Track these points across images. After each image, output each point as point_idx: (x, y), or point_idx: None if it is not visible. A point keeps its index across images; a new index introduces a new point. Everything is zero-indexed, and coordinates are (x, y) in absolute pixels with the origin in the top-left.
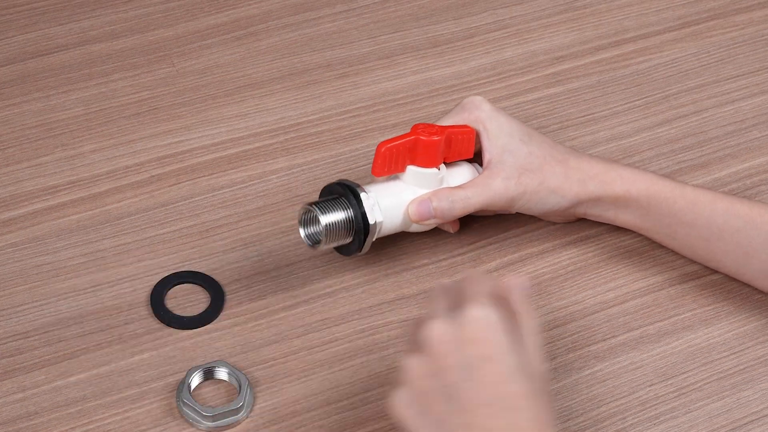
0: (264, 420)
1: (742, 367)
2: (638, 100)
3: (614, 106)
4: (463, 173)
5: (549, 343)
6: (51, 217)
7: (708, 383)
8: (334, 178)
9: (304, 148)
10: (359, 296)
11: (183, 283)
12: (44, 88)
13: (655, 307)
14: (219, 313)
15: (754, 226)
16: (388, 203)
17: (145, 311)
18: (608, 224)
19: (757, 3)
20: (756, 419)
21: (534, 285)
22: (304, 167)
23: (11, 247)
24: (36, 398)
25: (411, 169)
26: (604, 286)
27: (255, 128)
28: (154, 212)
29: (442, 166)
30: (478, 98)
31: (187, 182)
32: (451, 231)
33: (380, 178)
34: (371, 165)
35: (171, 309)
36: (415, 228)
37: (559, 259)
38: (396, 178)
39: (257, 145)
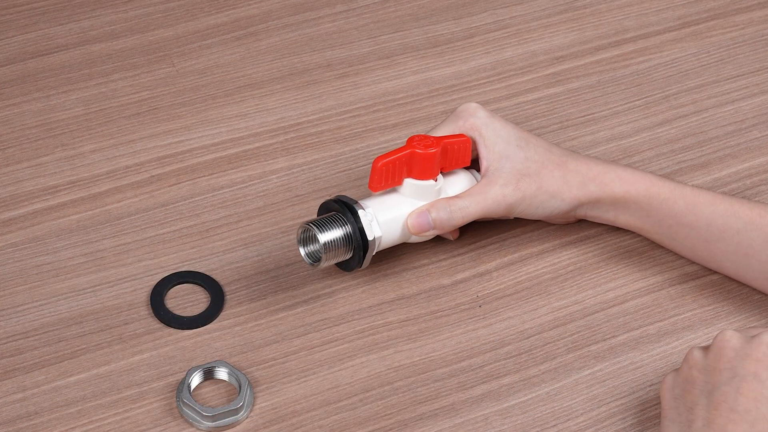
0: (264, 420)
1: None
2: (638, 100)
3: (614, 106)
4: (461, 181)
5: (549, 343)
6: (51, 217)
7: None
8: (334, 178)
9: (304, 148)
10: (359, 296)
11: (183, 283)
12: (44, 88)
13: (655, 307)
14: (219, 313)
15: (754, 227)
16: (387, 217)
17: (145, 311)
18: (608, 224)
19: (757, 3)
20: None
21: (534, 285)
22: (304, 167)
23: (11, 247)
24: (36, 398)
25: (408, 182)
26: (604, 286)
27: (255, 128)
28: (154, 212)
29: (440, 176)
30: (473, 105)
31: (187, 182)
32: (451, 239)
33: (378, 192)
34: (368, 178)
35: (171, 309)
36: (414, 239)
37: (559, 259)
38: (394, 191)
39: (257, 145)
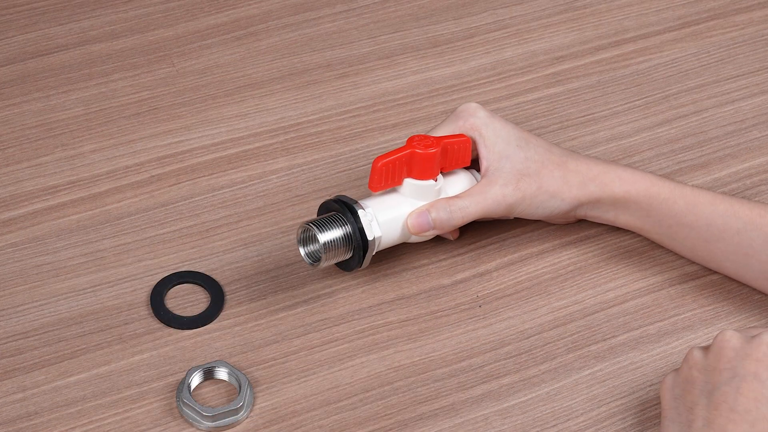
0: (264, 420)
1: None
2: (638, 100)
3: (614, 106)
4: (461, 181)
5: (549, 343)
6: (51, 217)
7: None
8: (334, 178)
9: (304, 148)
10: (359, 296)
11: (183, 283)
12: (44, 88)
13: (655, 307)
14: (219, 313)
15: (754, 227)
16: (387, 217)
17: (145, 311)
18: (608, 224)
19: (757, 3)
20: None
21: (534, 285)
22: (304, 167)
23: (11, 247)
24: (36, 398)
25: (408, 182)
26: (604, 286)
27: (255, 128)
28: (154, 212)
29: (440, 176)
30: (473, 105)
31: (187, 182)
32: (451, 239)
33: (378, 192)
34: (368, 178)
35: (171, 309)
36: (414, 239)
37: (559, 259)
38: (394, 191)
39: (257, 145)
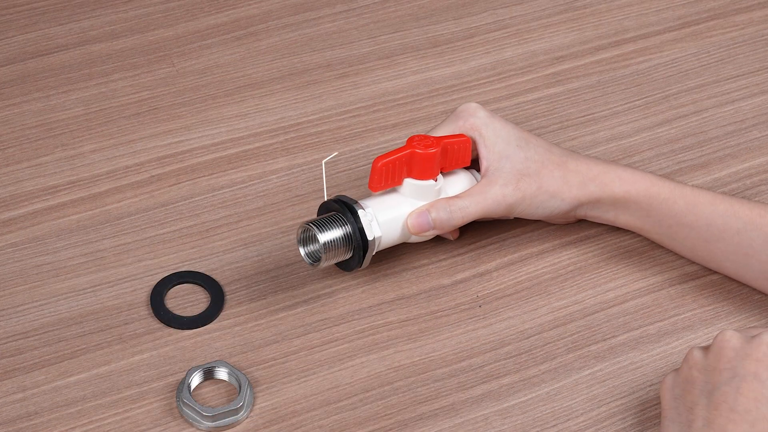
0: (264, 420)
1: None
2: (638, 100)
3: (614, 106)
4: (461, 181)
5: (549, 343)
6: (51, 217)
7: None
8: (334, 178)
9: (304, 148)
10: (359, 296)
11: (183, 283)
12: (44, 88)
13: (655, 307)
14: (219, 313)
15: (754, 227)
16: (387, 217)
17: (145, 311)
18: (608, 224)
19: (757, 3)
20: None
21: (534, 285)
22: (304, 167)
23: (11, 247)
24: (36, 398)
25: (408, 182)
26: (604, 286)
27: (255, 128)
28: (154, 212)
29: (440, 176)
30: (473, 105)
31: (187, 182)
32: (451, 238)
33: (378, 192)
34: (368, 178)
35: (171, 309)
36: (414, 239)
37: (559, 259)
38: (394, 191)
39: (257, 145)
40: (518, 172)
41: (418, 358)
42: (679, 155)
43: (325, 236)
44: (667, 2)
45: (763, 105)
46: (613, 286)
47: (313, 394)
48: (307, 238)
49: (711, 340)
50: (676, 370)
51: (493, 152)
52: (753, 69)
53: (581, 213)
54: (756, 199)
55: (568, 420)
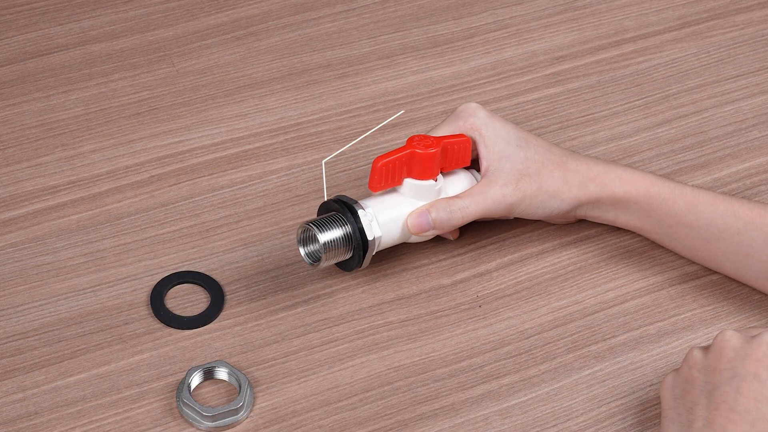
0: (264, 420)
1: None
2: (638, 100)
3: (614, 106)
4: (461, 181)
5: (549, 343)
6: (51, 217)
7: None
8: (334, 178)
9: (304, 148)
10: (359, 296)
11: (183, 283)
12: (44, 88)
13: (655, 307)
14: (219, 313)
15: (754, 227)
16: (387, 217)
17: (145, 311)
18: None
19: (757, 3)
20: None
21: (534, 285)
22: (304, 167)
23: (11, 247)
24: (36, 398)
25: (408, 182)
26: (604, 286)
27: (255, 128)
28: (154, 212)
29: (440, 176)
30: (473, 105)
31: (187, 182)
32: (451, 238)
33: (378, 192)
34: (368, 178)
35: (171, 309)
36: (414, 239)
37: (559, 259)
38: (394, 191)
39: (257, 145)
40: (518, 172)
41: (418, 358)
42: (679, 155)
43: (325, 236)
44: (667, 2)
45: (763, 105)
46: (613, 286)
47: (313, 394)
48: (307, 238)
49: (711, 340)
50: (676, 370)
51: (493, 152)
52: (753, 69)
53: (581, 213)
54: (756, 199)
55: (568, 420)
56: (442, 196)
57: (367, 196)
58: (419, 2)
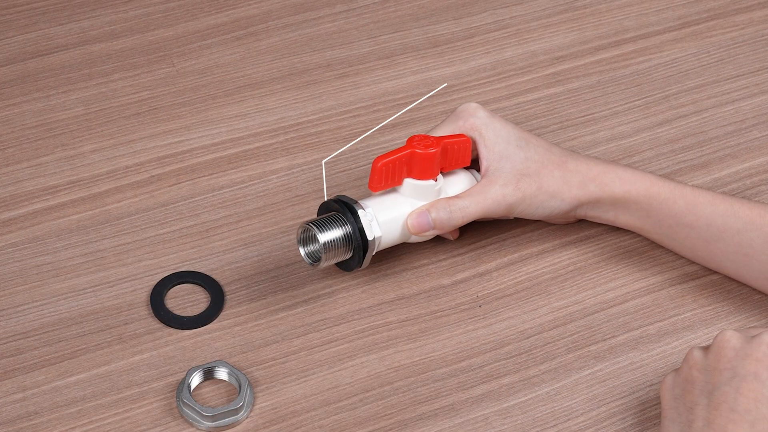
0: (264, 420)
1: None
2: (638, 100)
3: (614, 106)
4: (461, 181)
5: (549, 343)
6: (51, 217)
7: None
8: (334, 178)
9: (304, 148)
10: (359, 296)
11: (183, 283)
12: (44, 88)
13: (655, 307)
14: (219, 313)
15: (754, 227)
16: (387, 217)
17: (145, 311)
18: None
19: (757, 3)
20: None
21: (534, 285)
22: (304, 167)
23: (11, 247)
24: (36, 398)
25: (408, 182)
26: (604, 286)
27: (255, 128)
28: (154, 212)
29: (440, 176)
30: (473, 105)
31: (187, 182)
32: (451, 239)
33: (378, 192)
34: (368, 178)
35: (171, 309)
36: (414, 239)
37: (559, 259)
38: (394, 191)
39: (257, 145)
40: (518, 172)
41: (418, 358)
42: (679, 155)
43: (325, 236)
44: (667, 2)
45: (763, 105)
46: (613, 286)
47: (313, 394)
48: (307, 238)
49: (711, 340)
50: (676, 370)
51: (493, 152)
52: (753, 69)
53: (581, 213)
54: (756, 199)
55: (568, 420)
56: (442, 196)
57: (367, 196)
58: (419, 2)
